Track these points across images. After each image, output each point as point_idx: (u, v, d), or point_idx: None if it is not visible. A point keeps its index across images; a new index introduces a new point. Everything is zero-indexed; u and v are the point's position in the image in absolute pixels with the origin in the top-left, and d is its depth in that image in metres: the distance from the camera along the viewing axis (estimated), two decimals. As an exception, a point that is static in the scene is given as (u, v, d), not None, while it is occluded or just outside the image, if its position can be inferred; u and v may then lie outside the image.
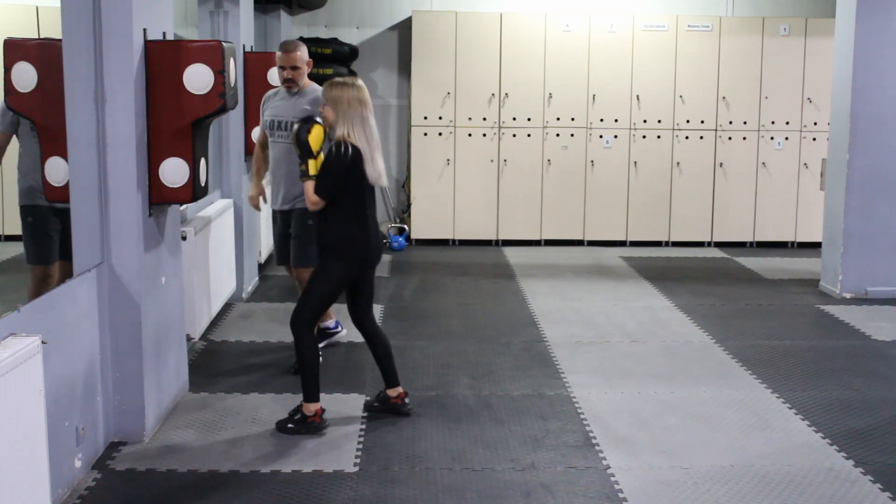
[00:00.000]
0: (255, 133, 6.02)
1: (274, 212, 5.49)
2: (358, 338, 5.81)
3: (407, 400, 4.73)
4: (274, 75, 6.39)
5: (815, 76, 9.61)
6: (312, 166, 4.37)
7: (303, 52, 5.24)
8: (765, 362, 5.72)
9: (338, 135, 4.35)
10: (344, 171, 4.32)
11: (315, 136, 4.37)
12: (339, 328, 5.77)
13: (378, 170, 4.42)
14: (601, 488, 3.92)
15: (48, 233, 4.56)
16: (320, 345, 5.48)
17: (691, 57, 9.58)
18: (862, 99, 7.37)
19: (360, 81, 4.46)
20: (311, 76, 5.74)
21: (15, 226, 5.05)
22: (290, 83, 5.24)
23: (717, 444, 4.41)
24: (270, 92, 5.51)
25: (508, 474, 4.04)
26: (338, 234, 4.43)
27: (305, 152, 4.37)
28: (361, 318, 4.69)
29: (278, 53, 5.25)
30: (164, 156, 4.25)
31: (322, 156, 4.38)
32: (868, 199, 7.48)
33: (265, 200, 5.66)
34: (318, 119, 4.46)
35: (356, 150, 4.34)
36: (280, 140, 5.27)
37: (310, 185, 4.36)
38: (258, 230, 7.64)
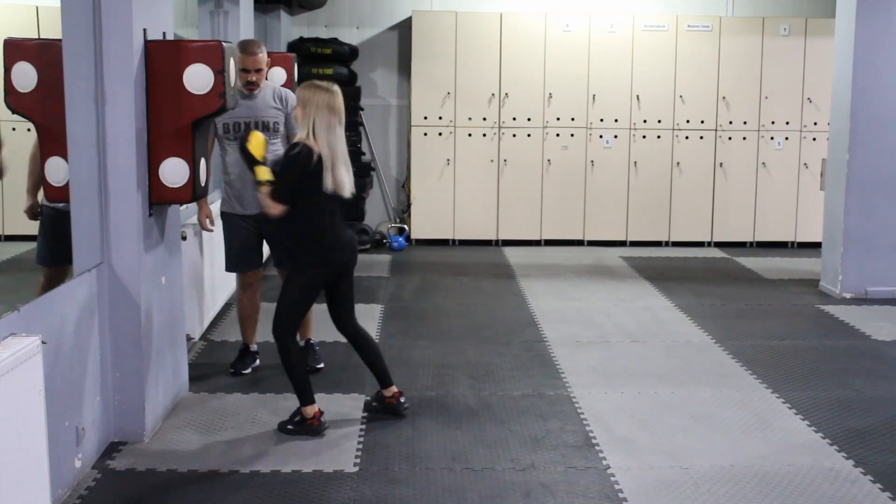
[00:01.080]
0: None
1: (235, 216, 5.23)
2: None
3: (402, 399, 4.72)
4: (275, 75, 6.36)
5: (815, 76, 9.61)
6: (262, 172, 4.32)
7: (264, 53, 5.10)
8: (765, 362, 5.72)
9: (299, 136, 4.32)
10: (300, 173, 4.24)
11: (255, 144, 4.35)
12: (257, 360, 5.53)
13: (338, 180, 4.29)
14: (601, 488, 3.92)
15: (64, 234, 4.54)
16: (246, 370, 5.36)
17: (691, 57, 9.59)
18: (862, 99, 7.38)
19: (335, 87, 4.35)
20: (311, 76, 5.68)
21: (15, 226, 5.05)
22: (252, 86, 5.08)
23: (717, 444, 4.41)
24: None
25: (508, 474, 4.04)
26: (303, 240, 4.38)
27: (251, 160, 4.35)
28: (343, 323, 4.65)
29: (238, 55, 5.01)
30: (164, 156, 4.25)
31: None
32: (868, 199, 7.48)
33: (212, 222, 5.33)
34: (255, 129, 4.43)
35: (315, 153, 4.24)
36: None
37: (265, 191, 4.30)
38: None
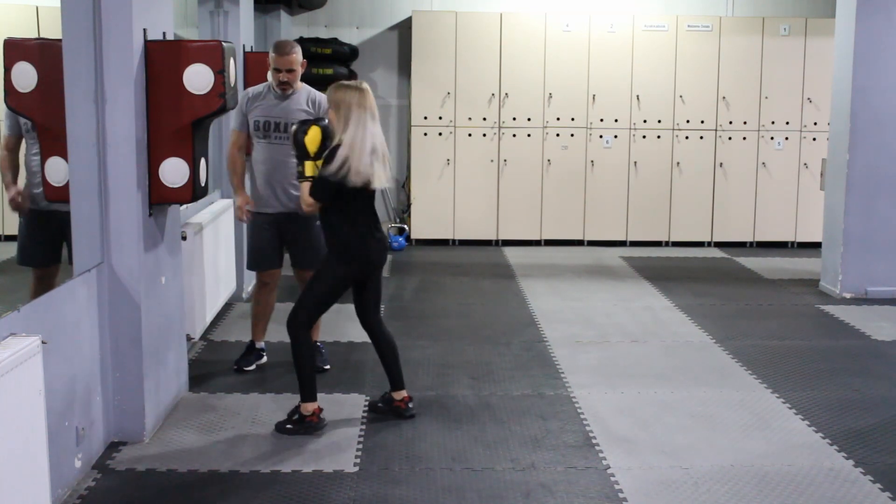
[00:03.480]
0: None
1: (258, 214, 5.26)
2: (358, 338, 5.82)
3: (411, 405, 4.72)
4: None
5: (815, 76, 9.61)
6: (309, 167, 4.37)
7: (298, 54, 5.14)
8: (765, 362, 5.72)
9: (339, 139, 4.34)
10: (342, 177, 4.28)
11: (311, 138, 4.36)
12: (264, 356, 5.56)
13: (364, 173, 4.29)
14: (601, 488, 3.92)
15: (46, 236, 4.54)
16: (250, 367, 5.40)
17: (691, 57, 9.58)
18: (862, 99, 7.38)
19: (364, 85, 4.41)
20: (311, 76, 5.63)
21: (15, 226, 5.04)
22: (285, 86, 5.13)
23: (717, 444, 4.41)
24: (254, 91, 5.29)
25: (508, 474, 4.04)
26: (340, 237, 4.43)
27: (302, 154, 4.38)
28: (368, 321, 4.69)
29: (272, 55, 5.13)
30: (164, 156, 4.25)
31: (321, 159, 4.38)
32: (868, 199, 7.48)
33: (252, 207, 5.33)
34: (319, 122, 4.45)
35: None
36: (276, 142, 5.16)
37: (305, 187, 4.36)
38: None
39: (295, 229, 5.22)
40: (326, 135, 4.41)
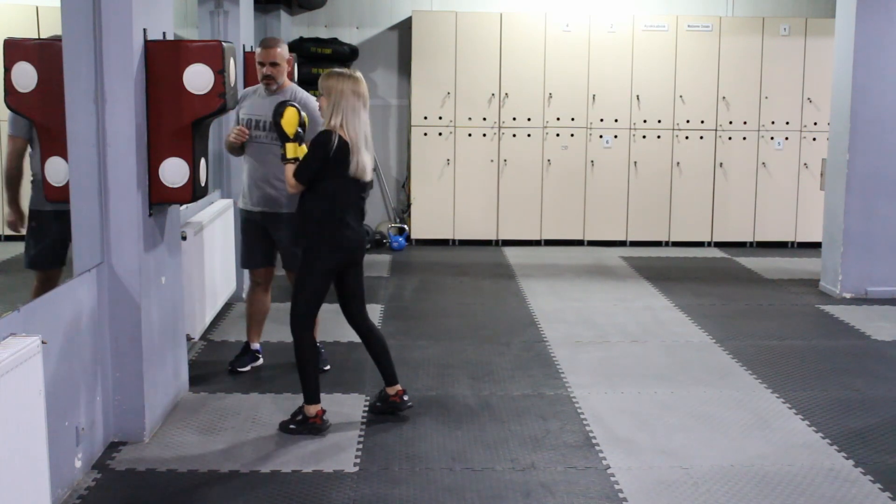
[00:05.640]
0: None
1: (246, 212, 5.30)
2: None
3: (406, 397, 4.72)
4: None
5: (815, 76, 9.61)
6: (290, 149, 4.40)
7: (283, 49, 5.15)
8: (765, 362, 5.72)
9: (329, 124, 4.34)
10: (325, 160, 4.29)
11: (288, 120, 4.42)
12: (260, 358, 5.53)
13: (361, 164, 4.34)
14: (601, 488, 3.92)
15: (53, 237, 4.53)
16: (244, 368, 5.39)
17: (691, 57, 9.58)
18: (862, 99, 7.38)
19: (358, 73, 4.43)
20: (311, 76, 5.60)
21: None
22: (269, 80, 5.14)
23: (717, 444, 4.41)
24: (248, 89, 5.37)
25: (508, 474, 4.04)
26: (317, 226, 4.41)
27: (282, 136, 4.43)
28: (354, 317, 4.68)
29: (258, 50, 5.16)
30: (164, 156, 4.25)
31: (303, 144, 4.44)
32: (868, 200, 7.48)
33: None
34: (293, 102, 4.50)
35: (343, 141, 4.30)
36: (259, 140, 5.15)
37: (289, 169, 4.38)
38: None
39: (278, 230, 5.22)
40: (302, 117, 4.48)
